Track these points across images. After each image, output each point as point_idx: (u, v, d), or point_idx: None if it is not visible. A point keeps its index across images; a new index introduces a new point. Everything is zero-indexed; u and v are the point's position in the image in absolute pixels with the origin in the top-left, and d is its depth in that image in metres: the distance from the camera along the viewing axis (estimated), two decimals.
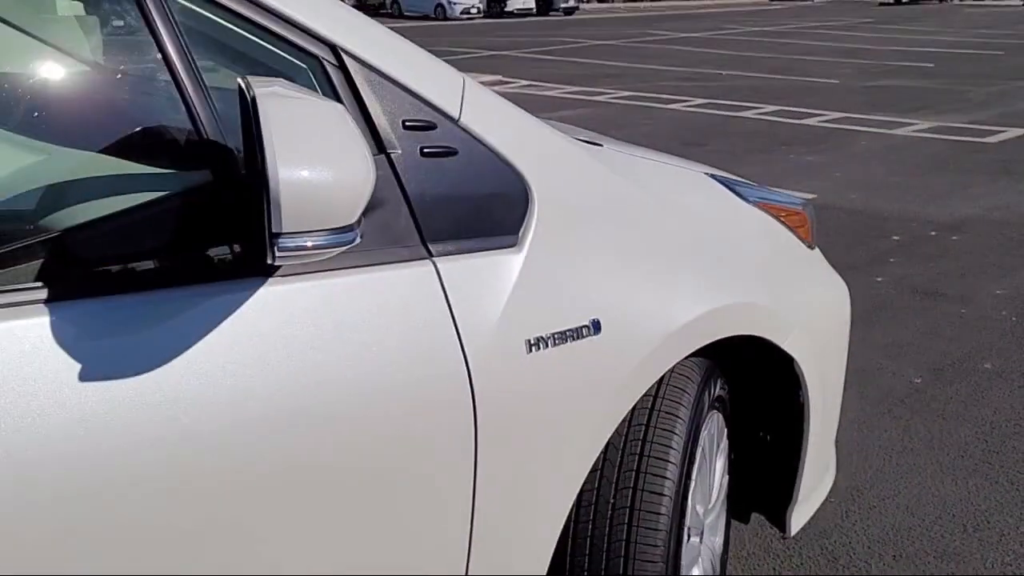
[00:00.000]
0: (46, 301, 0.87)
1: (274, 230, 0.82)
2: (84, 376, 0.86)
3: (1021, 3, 36.69)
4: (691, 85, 11.72)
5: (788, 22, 26.73)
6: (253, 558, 1.00)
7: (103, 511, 0.88)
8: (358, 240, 0.90)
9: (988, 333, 3.53)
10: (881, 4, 40.60)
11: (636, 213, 1.45)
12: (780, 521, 1.91)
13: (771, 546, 2.19)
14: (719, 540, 1.81)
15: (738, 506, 1.98)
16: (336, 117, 0.88)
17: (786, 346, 1.66)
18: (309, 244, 0.85)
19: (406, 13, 30.35)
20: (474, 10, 30.38)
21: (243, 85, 0.88)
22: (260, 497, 0.99)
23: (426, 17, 29.68)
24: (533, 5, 31.71)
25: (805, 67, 13.96)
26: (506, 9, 31.22)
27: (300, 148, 0.83)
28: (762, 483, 1.94)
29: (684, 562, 1.52)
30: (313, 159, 0.83)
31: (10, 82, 1.08)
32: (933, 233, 4.88)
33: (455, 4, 30.03)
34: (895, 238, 4.71)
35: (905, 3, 40.15)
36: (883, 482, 2.47)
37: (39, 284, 0.88)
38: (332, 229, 0.87)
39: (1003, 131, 8.16)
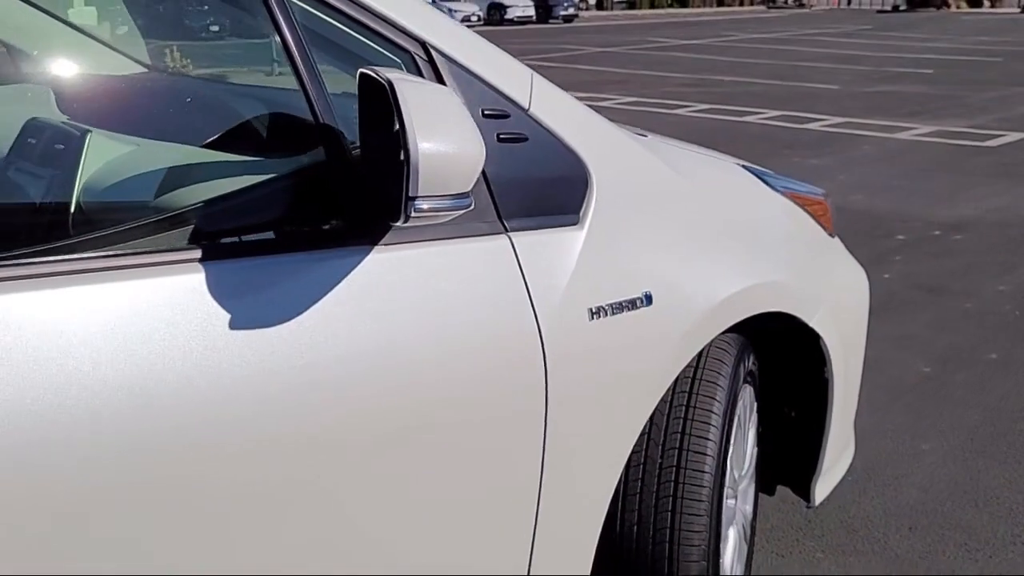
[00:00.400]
0: (200, 260, 1.01)
1: (411, 194, 0.95)
2: (233, 324, 0.99)
3: (1018, 10, 36.95)
4: (694, 91, 11.87)
5: (787, 29, 26.94)
6: (357, 502, 1.13)
7: (232, 448, 1.01)
8: (472, 206, 1.03)
9: (992, 326, 3.67)
10: (879, 11, 40.89)
11: (681, 198, 1.59)
12: (805, 492, 2.04)
13: (793, 519, 2.31)
14: (749, 508, 1.94)
15: (764, 478, 2.11)
16: (453, 99, 1.02)
17: (813, 323, 1.79)
18: (436, 207, 0.99)
19: None
20: (474, 18, 30.58)
21: (370, 73, 1.01)
22: (367, 445, 1.12)
23: None
24: (533, 13, 31.94)
25: (806, 73, 14.12)
26: (506, 17, 31.44)
27: (432, 124, 0.96)
28: (787, 456, 2.06)
29: (723, 519, 1.65)
30: (441, 134, 0.97)
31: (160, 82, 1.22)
32: (937, 233, 5.02)
33: (455, 12, 30.25)
34: (900, 237, 4.85)
35: (903, 10, 40.43)
36: (897, 462, 2.60)
37: (194, 246, 1.02)
38: (453, 195, 1.00)
39: (1003, 135, 8.31)
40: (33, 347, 0.90)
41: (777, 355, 1.95)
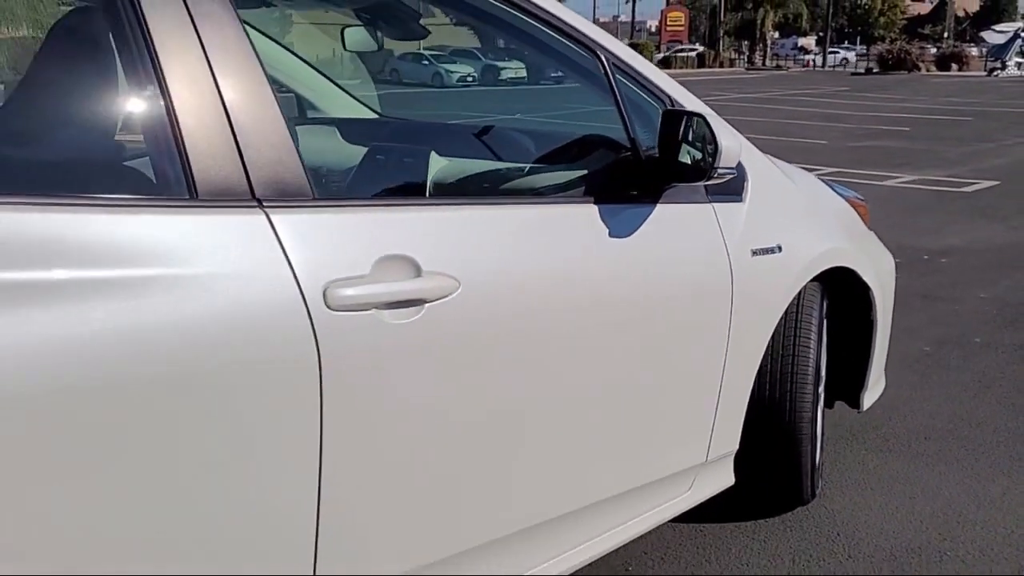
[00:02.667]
0: (582, 203, 1.95)
1: (716, 165, 1.91)
2: (598, 235, 1.92)
3: (985, 74, 38.82)
4: None
5: (770, 89, 28.43)
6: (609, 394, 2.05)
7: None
8: (735, 174, 2.00)
9: (976, 321, 4.65)
10: (852, 74, 42.76)
11: (791, 193, 2.56)
12: (855, 402, 2.97)
13: (843, 435, 3.25)
14: (820, 408, 2.87)
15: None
16: (721, 120, 1.99)
17: (866, 278, 2.74)
18: (723, 172, 1.95)
19: (404, 80, 31.87)
20: (470, 78, 31.90)
21: (676, 107, 1.99)
22: (629, 349, 2.05)
23: (424, 85, 31.20)
24: (525, 74, 33.34)
25: (795, 129, 15.34)
26: (500, 77, 32.83)
27: (721, 130, 1.93)
28: (842, 379, 2.99)
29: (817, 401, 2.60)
30: (726, 137, 1.94)
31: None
32: (926, 257, 6.03)
33: (452, 72, 31.57)
34: (896, 260, 5.85)
35: (875, 72, 42.34)
36: (911, 402, 3.55)
37: (583, 198, 1.97)
38: (729, 168, 1.97)
39: (977, 183, 9.43)
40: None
41: (839, 306, 2.90)
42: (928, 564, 2.43)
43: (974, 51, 48.08)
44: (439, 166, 2.18)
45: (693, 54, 54.75)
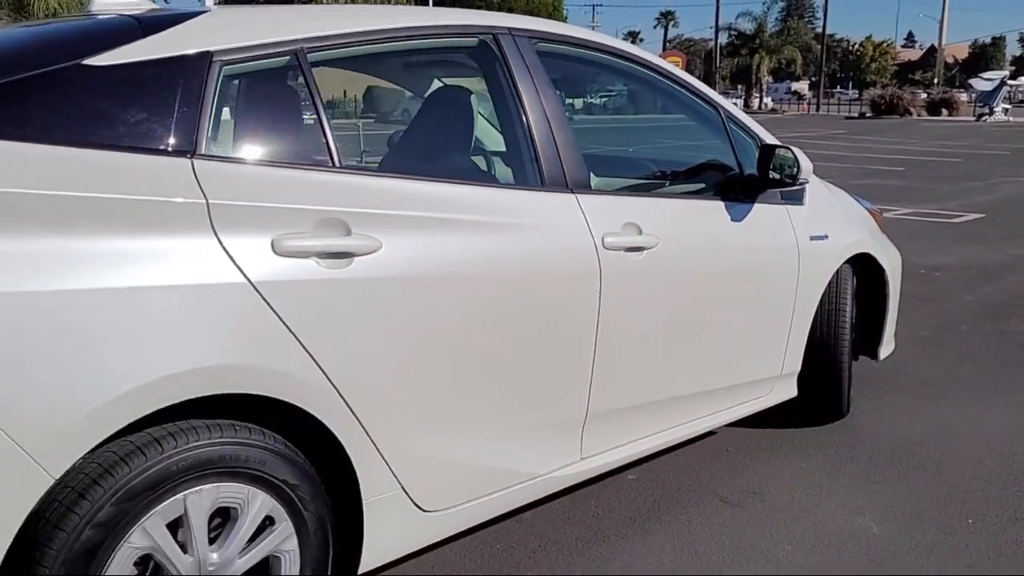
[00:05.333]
0: (710, 199, 3.16)
1: (798, 178, 3.13)
2: (719, 220, 3.12)
3: (974, 119, 40.42)
4: None
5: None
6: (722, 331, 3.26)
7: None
8: (806, 180, 3.22)
9: (963, 315, 5.86)
10: (847, 118, 44.30)
11: (830, 199, 3.78)
12: (874, 354, 4.15)
13: (869, 384, 4.42)
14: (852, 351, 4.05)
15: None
16: (798, 150, 3.20)
17: (882, 263, 3.95)
18: (802, 181, 3.17)
19: None
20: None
21: (773, 143, 3.20)
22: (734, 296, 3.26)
23: None
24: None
25: None
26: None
27: (800, 155, 3.15)
28: (864, 339, 4.16)
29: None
30: (804, 159, 3.15)
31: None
32: (922, 271, 7.25)
33: None
34: None
35: (868, 117, 43.90)
36: (917, 364, 4.73)
37: (709, 197, 3.18)
38: (803, 181, 3.19)
39: (965, 215, 10.69)
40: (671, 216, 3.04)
41: (862, 284, 4.09)
42: (928, 450, 3.60)
43: (963, 97, 49.80)
44: (642, 172, 3.44)
45: None
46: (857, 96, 66.74)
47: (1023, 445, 3.65)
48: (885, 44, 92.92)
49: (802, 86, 74.98)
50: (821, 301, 3.62)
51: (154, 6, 2.47)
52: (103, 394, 1.68)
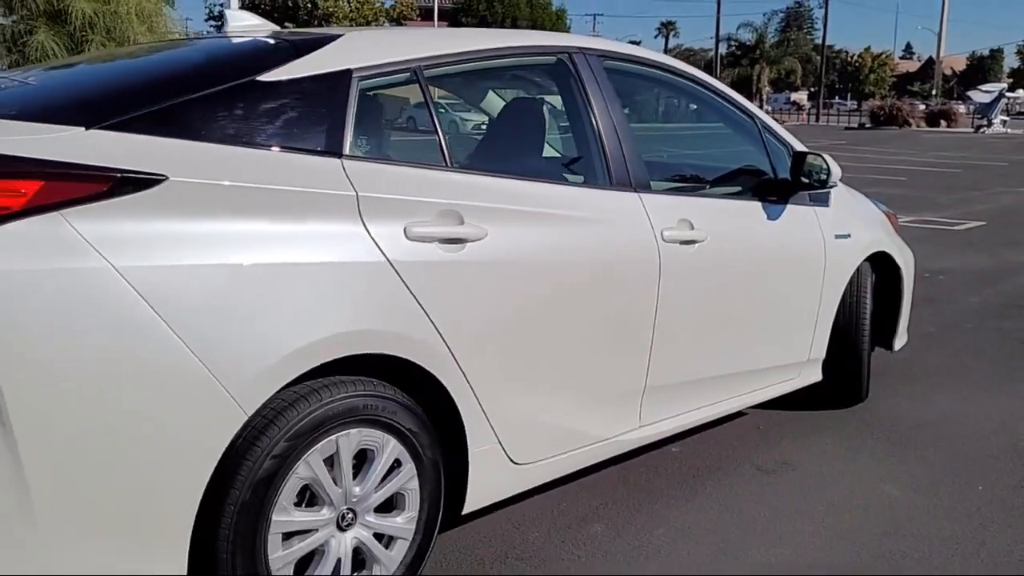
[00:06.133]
0: (748, 200, 3.54)
1: (829, 182, 3.52)
2: (754, 214, 3.51)
3: (972, 130, 40.92)
4: None
5: None
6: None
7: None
8: (836, 184, 3.60)
9: (967, 313, 6.25)
10: (846, 128, 44.71)
11: (852, 202, 4.16)
12: (889, 345, 4.53)
13: (885, 372, 4.80)
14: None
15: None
16: (829, 157, 3.58)
17: (897, 261, 4.33)
18: (832, 184, 3.55)
19: (419, 128, 33.72)
20: (483, 125, 33.64)
21: (803, 150, 3.58)
22: (765, 283, 3.64)
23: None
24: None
25: None
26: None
27: (831, 161, 3.53)
28: (880, 332, 4.54)
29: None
30: (834, 164, 3.54)
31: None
32: (927, 275, 7.62)
33: (467, 121, 33.37)
34: None
35: (868, 128, 44.34)
36: (924, 358, 5.11)
37: (748, 197, 3.56)
38: (833, 184, 3.57)
39: (966, 223, 11.09)
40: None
41: (878, 281, 4.47)
42: (939, 430, 3.98)
43: (961, 108, 50.30)
44: (687, 174, 3.83)
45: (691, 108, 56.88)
46: (856, 107, 67.29)
47: None
48: (884, 55, 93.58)
49: (801, 96, 75.51)
50: (843, 294, 4.00)
51: (275, 28, 2.85)
52: (281, 350, 2.05)
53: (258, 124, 2.18)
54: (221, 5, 36.29)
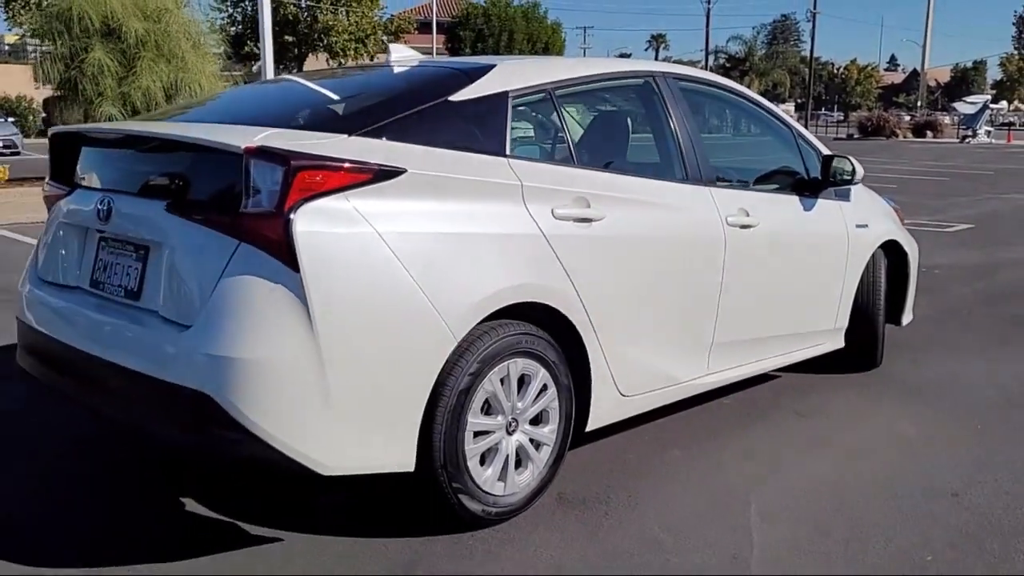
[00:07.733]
0: (785, 193, 4.32)
1: (854, 179, 4.31)
2: (792, 208, 4.29)
3: (958, 141, 42.00)
4: None
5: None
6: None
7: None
8: (860, 182, 4.39)
9: (962, 301, 7.06)
10: (835, 139, 45.61)
11: (867, 197, 4.95)
12: (898, 321, 5.31)
13: (898, 346, 5.60)
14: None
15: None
16: (853, 158, 4.36)
17: (905, 248, 5.12)
18: (857, 181, 4.35)
19: None
20: None
21: (830, 154, 4.36)
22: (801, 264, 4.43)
23: None
24: None
25: None
26: None
27: (856, 163, 4.32)
28: (889, 311, 5.31)
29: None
30: (857, 165, 4.32)
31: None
32: (923, 269, 8.41)
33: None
34: None
35: (856, 139, 45.31)
36: (927, 338, 5.90)
37: (785, 192, 4.34)
38: (858, 183, 4.37)
39: (956, 225, 11.94)
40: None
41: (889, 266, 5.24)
42: (943, 386, 4.77)
43: (946, 119, 51.42)
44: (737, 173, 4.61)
45: None
46: (842, 118, 68.45)
47: (1015, 384, 4.83)
48: (869, 67, 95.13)
49: (788, 108, 76.72)
50: (862, 275, 4.78)
51: (423, 56, 3.63)
52: (478, 294, 2.82)
53: (453, 132, 2.95)
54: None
